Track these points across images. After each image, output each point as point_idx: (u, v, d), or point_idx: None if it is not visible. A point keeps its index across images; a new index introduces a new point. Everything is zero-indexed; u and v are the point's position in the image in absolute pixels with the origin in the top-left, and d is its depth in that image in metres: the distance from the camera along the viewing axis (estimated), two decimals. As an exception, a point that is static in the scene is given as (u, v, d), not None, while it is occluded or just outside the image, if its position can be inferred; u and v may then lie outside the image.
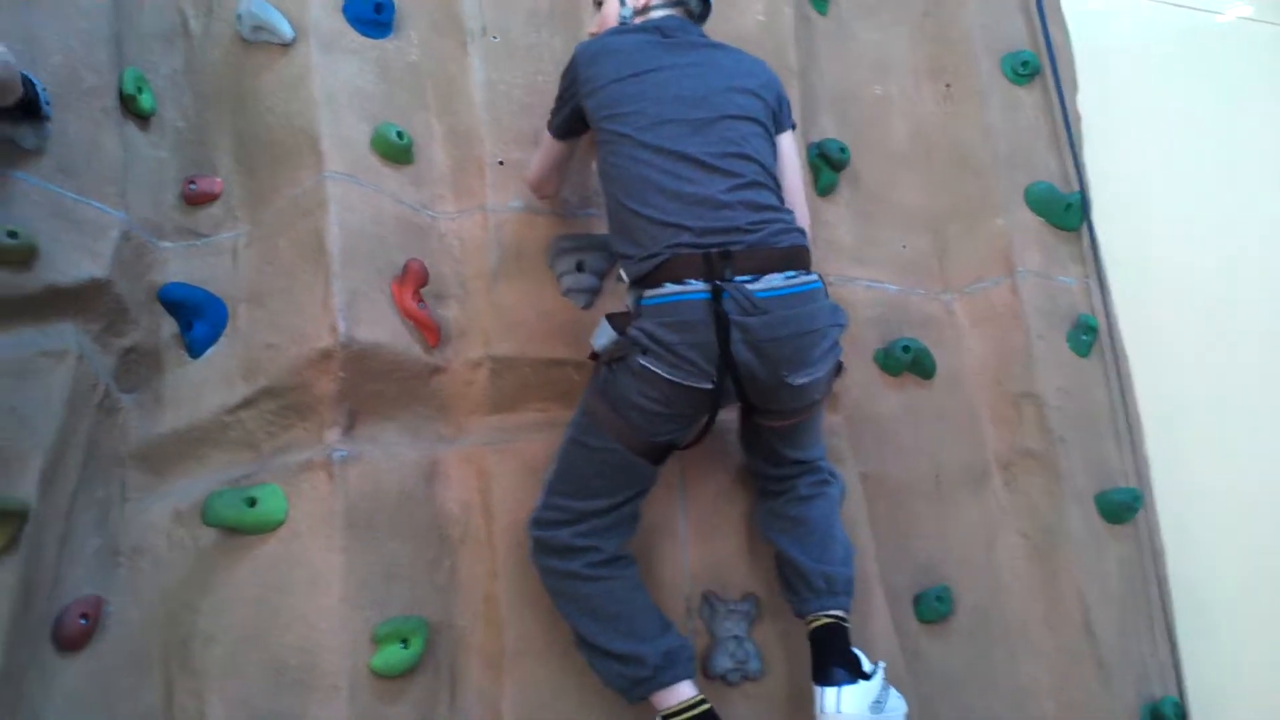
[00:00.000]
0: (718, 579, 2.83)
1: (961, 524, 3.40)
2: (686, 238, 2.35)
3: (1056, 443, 3.43)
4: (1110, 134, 3.95)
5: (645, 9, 2.76)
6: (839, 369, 2.57)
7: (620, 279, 2.58)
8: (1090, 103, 3.97)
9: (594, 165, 2.92)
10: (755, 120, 2.55)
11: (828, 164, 3.49)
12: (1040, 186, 3.71)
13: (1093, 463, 3.50)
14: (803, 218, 2.65)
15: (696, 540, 2.88)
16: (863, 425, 3.31)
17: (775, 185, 2.54)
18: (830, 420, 3.18)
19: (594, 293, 2.93)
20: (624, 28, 2.72)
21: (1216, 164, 3.94)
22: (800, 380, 2.38)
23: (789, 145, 2.71)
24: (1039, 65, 3.87)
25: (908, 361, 3.41)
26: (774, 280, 2.36)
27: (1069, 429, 3.47)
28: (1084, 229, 3.75)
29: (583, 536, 2.48)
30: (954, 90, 3.82)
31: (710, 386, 2.34)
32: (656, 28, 2.66)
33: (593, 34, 2.91)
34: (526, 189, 2.95)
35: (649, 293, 2.38)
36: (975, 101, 3.76)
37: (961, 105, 3.79)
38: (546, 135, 2.79)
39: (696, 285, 2.32)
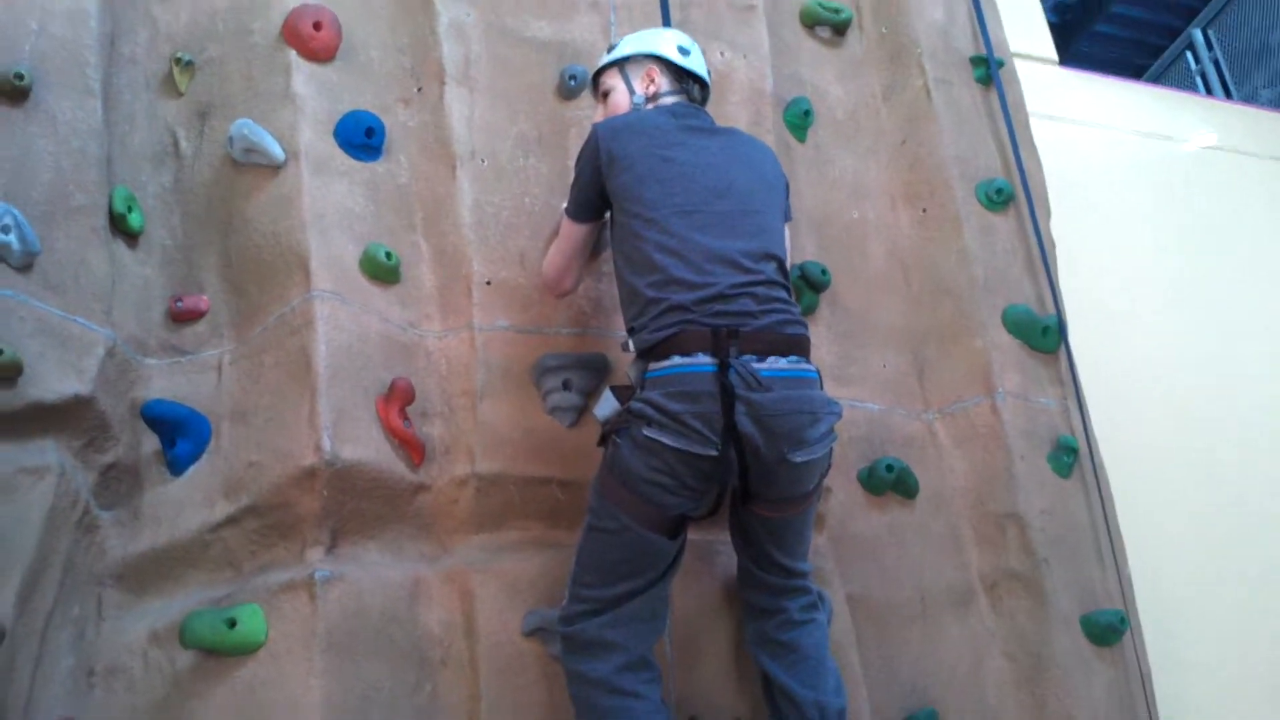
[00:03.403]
0: (705, 702, 2.78)
1: (948, 646, 3.36)
2: (697, 316, 2.41)
3: (1040, 564, 3.41)
4: (1083, 258, 4.03)
5: (655, 96, 2.81)
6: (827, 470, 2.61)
7: (625, 349, 2.61)
8: (1063, 228, 4.06)
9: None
10: (775, 216, 2.66)
11: (809, 285, 3.52)
12: (1017, 309, 3.75)
13: (1077, 584, 3.47)
14: None
15: (682, 662, 2.83)
16: (847, 545, 3.30)
17: (787, 280, 2.61)
18: (815, 541, 3.16)
19: (579, 411, 2.93)
20: (639, 110, 2.77)
21: (1186, 286, 4.03)
22: (800, 458, 2.40)
23: (787, 234, 2.80)
24: (1013, 192, 3.95)
25: (891, 481, 3.41)
26: (778, 363, 2.42)
27: (1052, 550, 3.45)
28: (1061, 351, 3.80)
29: (611, 628, 2.43)
30: (930, 215, 3.89)
31: (715, 453, 2.35)
32: (669, 111, 2.72)
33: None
34: (514, 308, 2.97)
35: (655, 364, 2.43)
36: (951, 226, 3.83)
37: (938, 230, 3.86)
38: (565, 223, 2.78)
39: (703, 359, 2.37)
